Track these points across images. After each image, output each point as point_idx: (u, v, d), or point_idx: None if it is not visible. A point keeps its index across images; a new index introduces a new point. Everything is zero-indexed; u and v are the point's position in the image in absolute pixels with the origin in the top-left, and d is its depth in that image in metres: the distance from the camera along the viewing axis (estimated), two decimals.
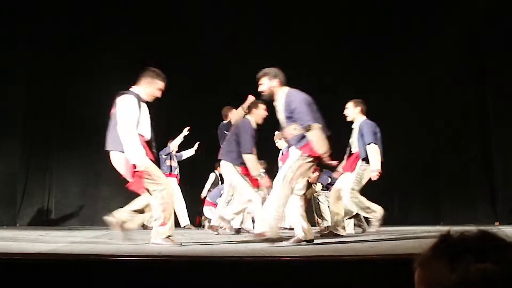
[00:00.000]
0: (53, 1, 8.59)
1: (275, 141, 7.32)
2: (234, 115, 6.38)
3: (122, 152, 4.05)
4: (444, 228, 1.02)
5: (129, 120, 4.03)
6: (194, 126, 8.20)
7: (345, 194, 5.42)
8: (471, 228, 0.96)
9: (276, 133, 7.28)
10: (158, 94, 4.33)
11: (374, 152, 5.29)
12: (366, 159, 5.37)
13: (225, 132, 6.40)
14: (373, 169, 5.29)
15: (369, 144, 5.32)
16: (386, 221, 5.62)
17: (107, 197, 8.33)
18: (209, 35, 8.56)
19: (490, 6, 7.97)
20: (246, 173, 5.52)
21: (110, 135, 4.20)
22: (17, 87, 8.53)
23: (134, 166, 3.99)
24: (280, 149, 7.21)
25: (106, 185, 8.61)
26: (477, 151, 8.61)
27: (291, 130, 4.19)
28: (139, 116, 4.08)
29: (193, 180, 8.92)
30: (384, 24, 8.71)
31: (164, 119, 7.76)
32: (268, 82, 4.30)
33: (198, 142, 8.43)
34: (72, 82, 8.73)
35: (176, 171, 8.30)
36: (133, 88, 4.27)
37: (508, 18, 7.77)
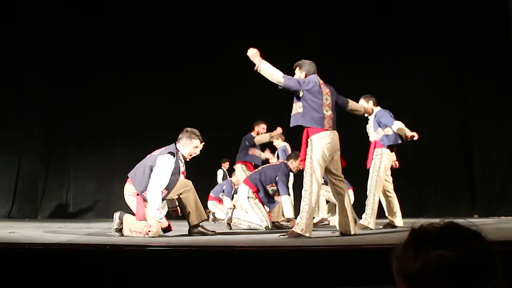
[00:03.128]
0: None
1: (273, 140, 7.32)
2: (259, 138, 6.73)
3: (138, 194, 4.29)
4: (427, 221, 1.04)
5: (160, 183, 4.18)
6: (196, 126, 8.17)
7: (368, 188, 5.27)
8: (440, 220, 0.99)
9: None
10: (197, 151, 4.51)
11: (400, 125, 5.14)
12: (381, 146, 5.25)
13: (247, 143, 6.73)
14: (407, 134, 5.12)
15: (392, 124, 5.17)
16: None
17: (119, 192, 8.26)
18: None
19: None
20: None
21: (138, 169, 4.34)
22: (39, 95, 8.59)
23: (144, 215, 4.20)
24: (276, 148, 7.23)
25: (118, 181, 8.54)
26: (460, 152, 8.61)
27: (293, 110, 4.20)
28: (171, 174, 4.25)
29: (198, 175, 8.87)
30: (374, 31, 8.66)
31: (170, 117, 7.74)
32: (298, 73, 4.28)
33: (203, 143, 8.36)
34: (87, 89, 8.72)
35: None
36: (177, 145, 4.43)
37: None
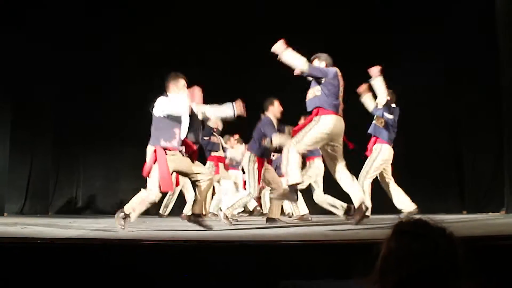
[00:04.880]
0: None
1: None
2: None
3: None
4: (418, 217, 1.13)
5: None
6: None
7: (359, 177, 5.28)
8: (418, 217, 1.21)
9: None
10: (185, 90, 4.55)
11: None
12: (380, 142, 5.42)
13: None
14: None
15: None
16: (372, 210, 5.59)
17: (125, 190, 8.33)
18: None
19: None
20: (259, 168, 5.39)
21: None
22: (47, 95, 8.59)
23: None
24: None
25: (125, 179, 8.64)
26: (449, 151, 8.61)
27: (310, 94, 4.46)
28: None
29: None
30: (374, 31, 8.60)
31: None
32: (317, 63, 4.59)
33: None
34: (93, 89, 8.71)
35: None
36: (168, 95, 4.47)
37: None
